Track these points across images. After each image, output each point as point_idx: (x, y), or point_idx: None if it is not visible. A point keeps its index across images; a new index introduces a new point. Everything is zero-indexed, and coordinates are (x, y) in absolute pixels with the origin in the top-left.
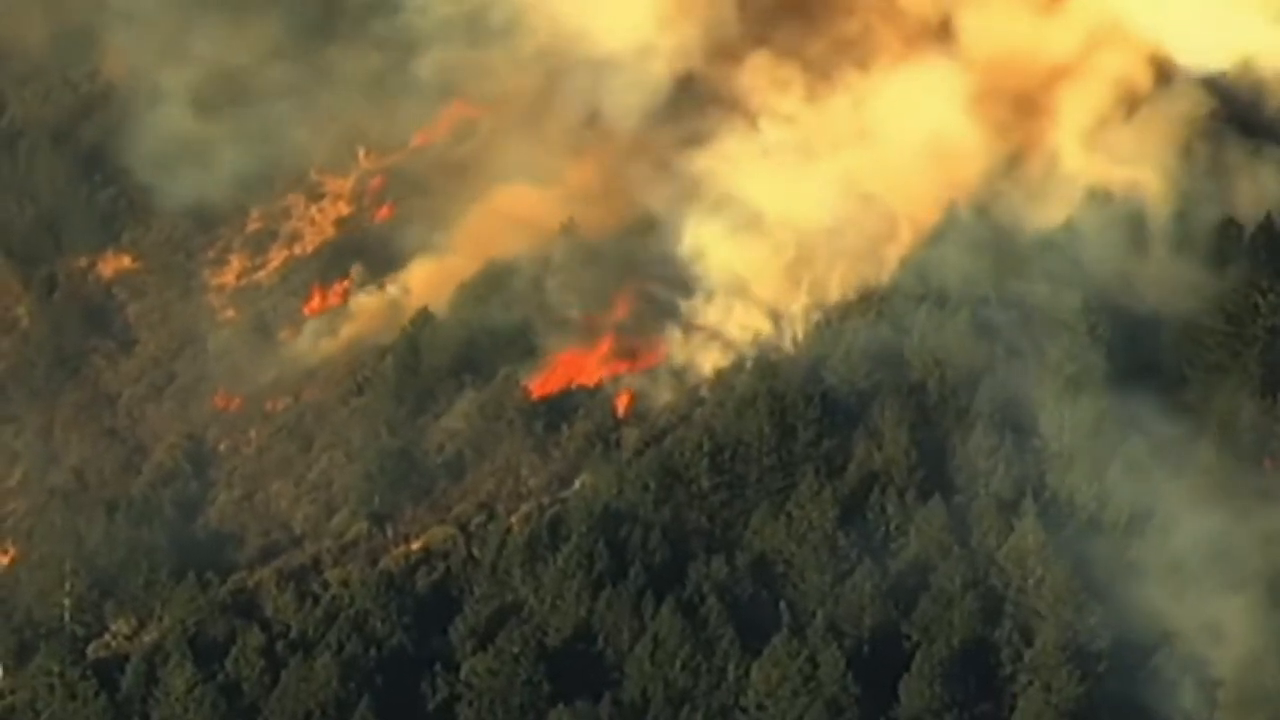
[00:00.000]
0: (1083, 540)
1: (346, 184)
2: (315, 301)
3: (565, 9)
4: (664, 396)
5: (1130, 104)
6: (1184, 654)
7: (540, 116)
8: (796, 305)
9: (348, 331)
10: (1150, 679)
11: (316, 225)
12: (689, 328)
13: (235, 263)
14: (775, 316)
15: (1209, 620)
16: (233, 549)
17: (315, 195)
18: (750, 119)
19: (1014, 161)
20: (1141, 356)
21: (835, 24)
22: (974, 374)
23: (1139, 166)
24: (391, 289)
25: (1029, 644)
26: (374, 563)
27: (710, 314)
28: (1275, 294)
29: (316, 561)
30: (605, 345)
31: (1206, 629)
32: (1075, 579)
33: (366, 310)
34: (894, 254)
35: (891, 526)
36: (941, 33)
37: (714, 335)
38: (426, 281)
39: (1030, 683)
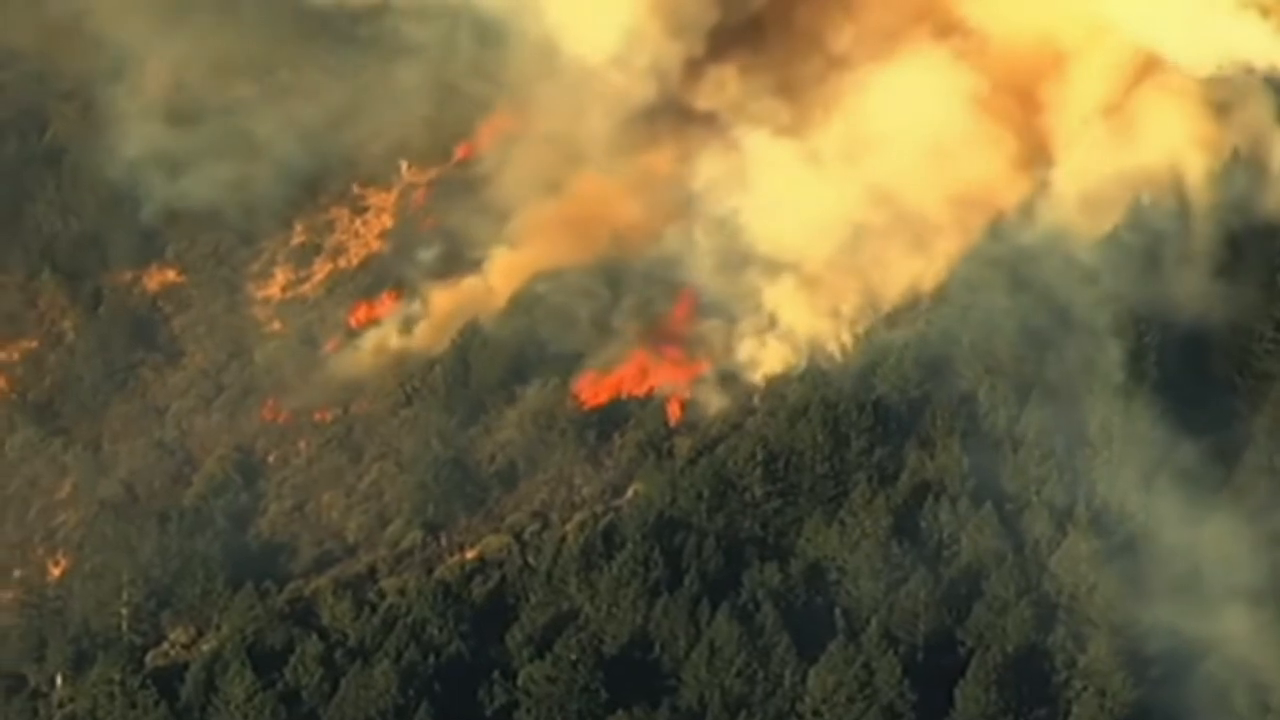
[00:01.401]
0: (1134, 547)
1: (390, 197)
2: (361, 314)
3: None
4: (715, 405)
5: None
6: (1235, 660)
7: (574, 126)
8: (845, 312)
9: (395, 343)
10: (1202, 685)
11: (361, 238)
12: (740, 336)
13: (280, 275)
14: (825, 324)
15: (1260, 625)
16: (286, 559)
17: (359, 208)
18: (753, 129)
19: (1031, 163)
20: (1190, 364)
21: (824, 28)
22: (1024, 383)
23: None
24: (438, 300)
25: (1082, 650)
26: (429, 572)
27: (761, 322)
28: None
29: (372, 571)
30: (655, 355)
31: (1257, 634)
32: (1127, 586)
33: (412, 322)
34: (926, 261)
35: (944, 534)
36: (937, 27)
37: (765, 344)
38: (473, 293)
39: (1084, 689)
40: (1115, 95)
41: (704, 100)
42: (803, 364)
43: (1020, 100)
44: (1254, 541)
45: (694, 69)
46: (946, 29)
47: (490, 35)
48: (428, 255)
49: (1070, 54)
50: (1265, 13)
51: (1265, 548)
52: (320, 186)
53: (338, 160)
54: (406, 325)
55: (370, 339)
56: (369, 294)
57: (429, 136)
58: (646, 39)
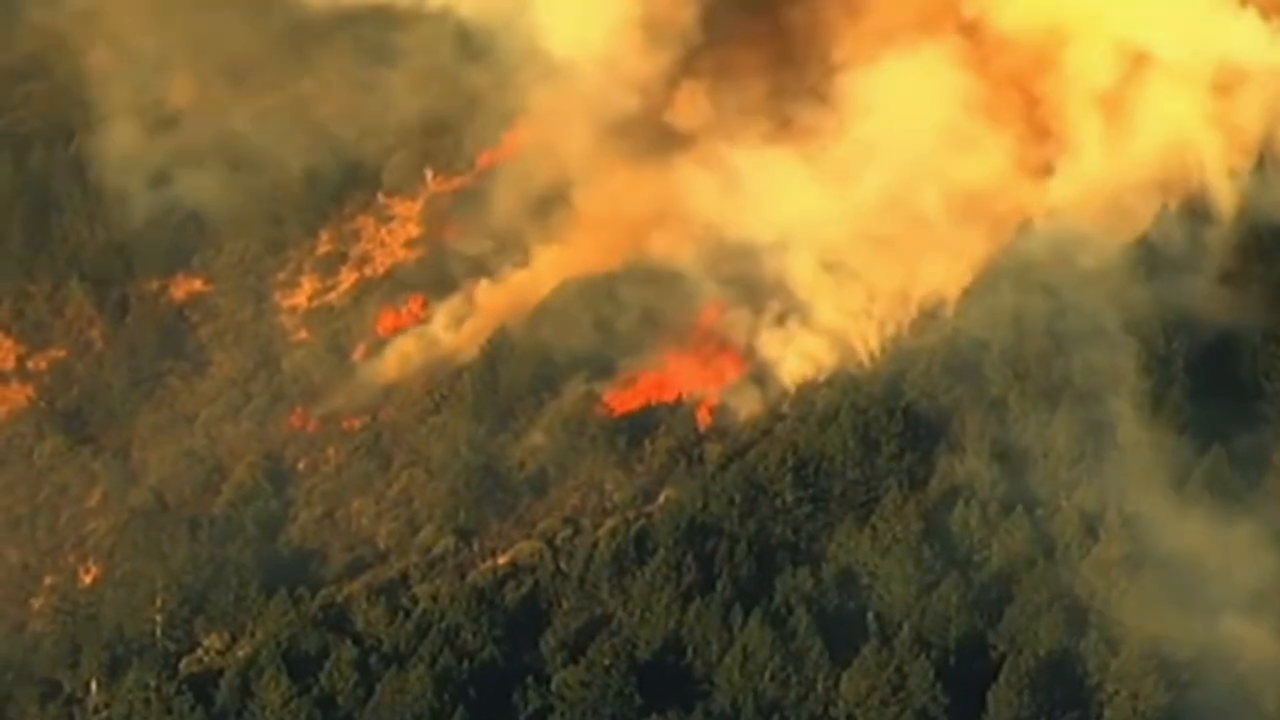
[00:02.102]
0: (1164, 552)
1: (415, 206)
2: (388, 321)
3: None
4: (745, 411)
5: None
6: (1266, 664)
7: (600, 134)
8: (873, 313)
9: (423, 351)
10: (1233, 689)
11: (386, 247)
12: (769, 343)
13: (306, 284)
14: (853, 325)
15: None
16: (318, 565)
17: (384, 218)
18: (758, 134)
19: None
20: (1218, 369)
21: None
22: (1054, 388)
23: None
24: (464, 309)
25: (1115, 654)
26: (462, 577)
27: (790, 329)
28: None
29: (404, 576)
30: (684, 361)
31: None
32: (1158, 590)
33: (440, 330)
34: (944, 265)
35: (975, 539)
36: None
37: (794, 350)
38: (500, 301)
39: (1116, 693)
40: (1120, 90)
41: (701, 111)
42: (833, 365)
43: (1025, 98)
44: None
45: (688, 79)
46: (947, 27)
47: (478, 42)
48: (453, 263)
49: (1075, 47)
50: (1264, 13)
51: None
52: (346, 196)
53: (334, 166)
54: (433, 333)
55: (398, 346)
56: (396, 301)
57: (453, 145)
58: (635, 47)
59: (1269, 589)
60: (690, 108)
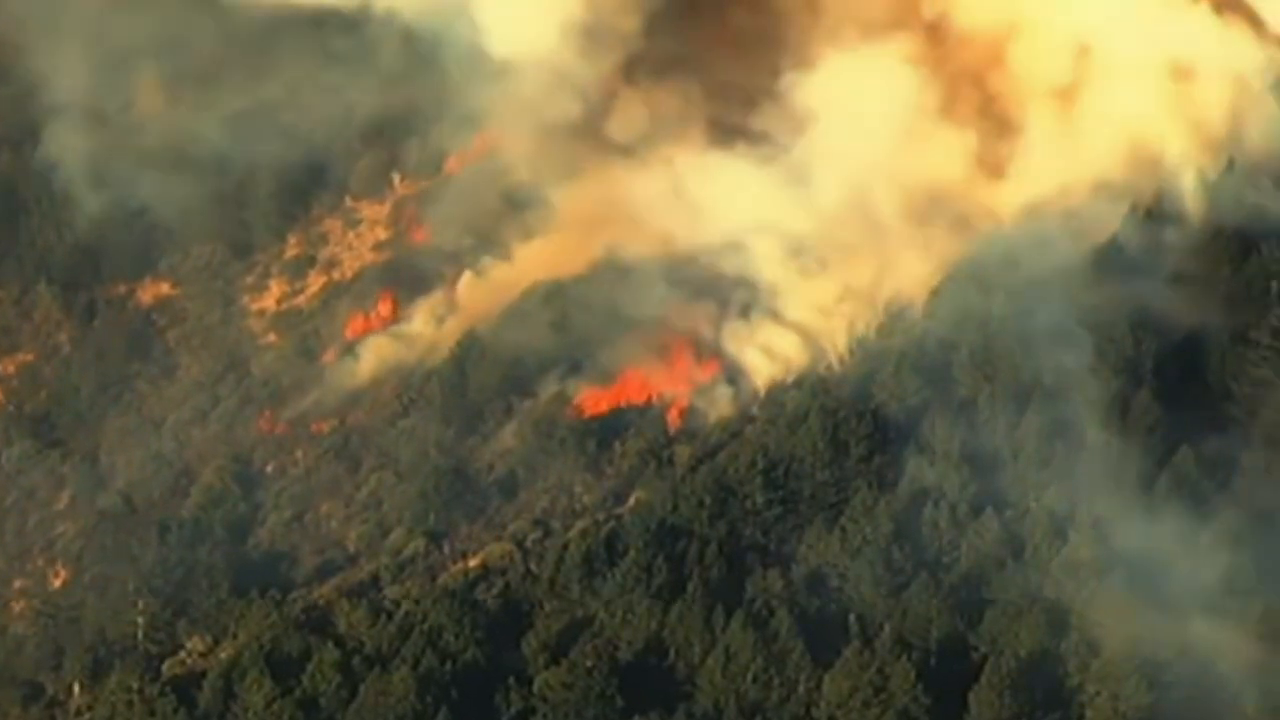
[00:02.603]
0: (1134, 553)
1: (383, 209)
2: (356, 325)
3: None
4: (714, 413)
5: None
6: (1246, 664)
7: (559, 138)
8: (839, 319)
9: (391, 354)
10: (1214, 689)
11: (354, 250)
12: (738, 346)
13: (274, 288)
14: (820, 332)
15: (1267, 629)
16: (288, 568)
17: (352, 221)
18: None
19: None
20: (1187, 371)
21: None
22: (1022, 390)
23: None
24: (433, 312)
25: (1095, 655)
26: (433, 579)
27: (758, 331)
28: None
29: (375, 578)
30: (653, 363)
31: (1265, 638)
32: (1128, 590)
33: (408, 333)
34: (909, 265)
35: (944, 540)
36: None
37: (763, 352)
38: (469, 304)
39: (1097, 693)
40: (1080, 89)
41: (660, 114)
42: (801, 367)
43: (984, 96)
44: (1256, 546)
45: (645, 81)
46: (904, 27)
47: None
48: (421, 266)
49: (1032, 45)
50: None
51: (1266, 552)
52: (313, 199)
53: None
54: (401, 336)
55: (366, 349)
56: (364, 305)
57: (420, 149)
58: (581, 51)
59: (1239, 590)
60: (648, 110)
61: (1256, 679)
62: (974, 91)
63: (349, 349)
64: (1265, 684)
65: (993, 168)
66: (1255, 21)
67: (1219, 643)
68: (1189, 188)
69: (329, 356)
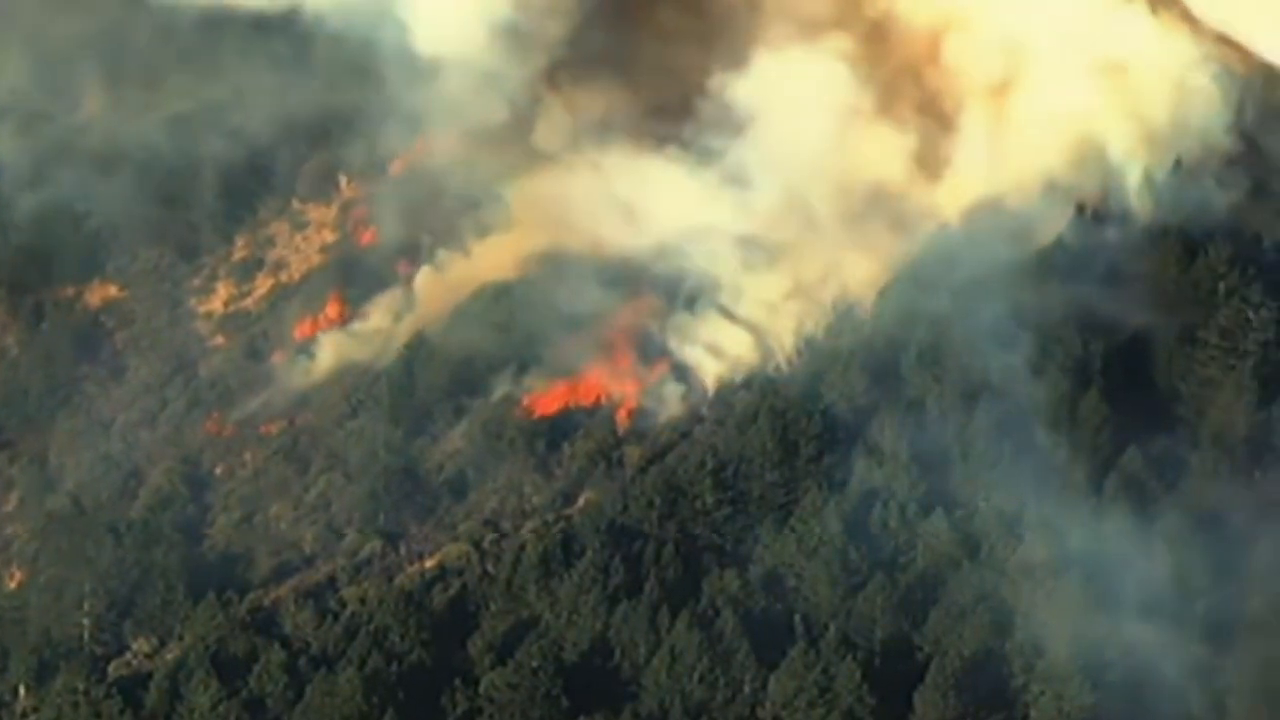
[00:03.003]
0: (1084, 552)
1: (329, 212)
2: (304, 327)
3: None
4: (664, 414)
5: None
6: (1191, 664)
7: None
8: (786, 320)
9: (339, 356)
10: (1159, 689)
11: (302, 253)
12: (685, 346)
13: (222, 290)
14: (766, 334)
15: (1214, 627)
16: (244, 569)
17: (299, 223)
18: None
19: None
20: (1135, 371)
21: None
22: (970, 390)
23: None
24: (381, 313)
25: (1040, 655)
26: (390, 580)
27: (706, 332)
28: (1268, 308)
29: (332, 580)
30: (602, 364)
31: (1213, 636)
32: (1082, 589)
33: (356, 335)
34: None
35: (897, 541)
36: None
37: (712, 352)
38: (419, 304)
39: (1042, 693)
40: (1022, 88)
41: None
42: (750, 366)
43: (923, 95)
44: (1203, 546)
45: (566, 85)
46: (843, 26)
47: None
48: (369, 268)
49: (970, 44)
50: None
51: (1214, 552)
52: (259, 202)
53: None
54: (349, 337)
55: (314, 351)
56: (312, 307)
57: (366, 151)
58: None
59: (1189, 590)
60: (584, 110)
61: (1200, 679)
62: (913, 89)
63: (297, 351)
64: (1209, 684)
65: (933, 166)
66: (1189, 18)
67: (1163, 643)
68: (1134, 187)
69: (277, 358)
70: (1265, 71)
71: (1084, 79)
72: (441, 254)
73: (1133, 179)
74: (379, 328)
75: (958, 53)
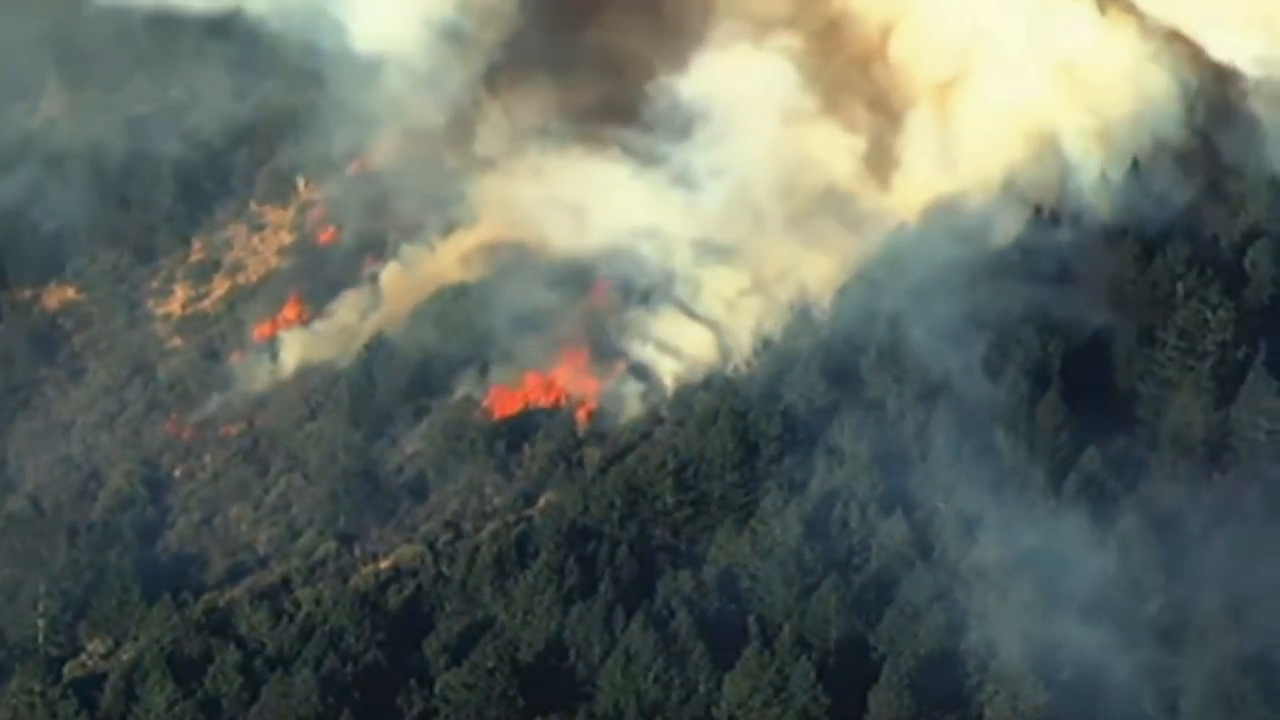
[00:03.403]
0: (1042, 552)
1: (287, 214)
2: (263, 328)
3: None
4: (623, 416)
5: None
6: (1144, 664)
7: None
8: (744, 321)
9: (297, 357)
10: (1112, 689)
11: (259, 255)
12: (643, 346)
13: (180, 292)
14: (724, 334)
15: (1169, 628)
16: (199, 570)
17: (256, 225)
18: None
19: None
20: (1094, 372)
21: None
22: (929, 391)
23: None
24: (340, 315)
25: (994, 655)
26: (344, 581)
27: (663, 331)
28: (1226, 309)
29: (286, 581)
30: (562, 366)
31: (1165, 638)
32: (1038, 589)
33: (315, 336)
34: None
35: (854, 541)
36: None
37: (669, 352)
38: (376, 306)
39: (996, 693)
40: (974, 88)
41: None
42: (709, 366)
43: (873, 93)
44: (1161, 547)
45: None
46: (785, 22)
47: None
48: (327, 270)
49: (920, 42)
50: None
51: (1173, 552)
52: (217, 204)
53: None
54: (308, 339)
55: (273, 353)
56: (270, 309)
57: (324, 153)
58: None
59: (1144, 590)
60: (535, 111)
61: (1153, 679)
62: (864, 87)
63: (256, 352)
64: (1162, 684)
65: (883, 165)
66: (1138, 15)
67: (1117, 643)
68: (1090, 186)
69: (236, 360)
70: (1215, 70)
71: (1035, 77)
72: (400, 255)
73: (1088, 178)
74: (337, 329)
75: (908, 50)
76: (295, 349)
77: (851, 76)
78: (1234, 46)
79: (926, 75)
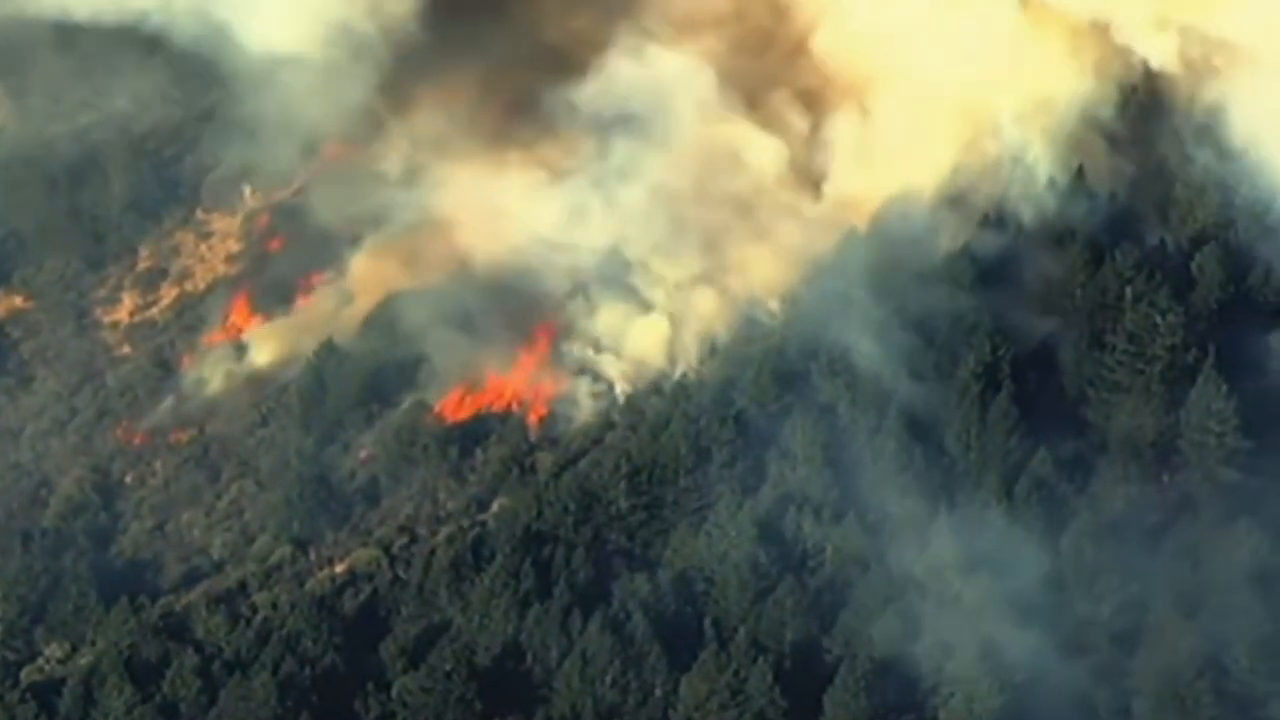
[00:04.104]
0: (995, 555)
1: (234, 222)
2: (211, 336)
3: None
4: (576, 420)
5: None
6: (1098, 666)
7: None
8: (692, 325)
9: (247, 365)
10: (1066, 691)
11: (207, 263)
12: (593, 353)
13: (128, 300)
14: (674, 340)
15: (1120, 632)
16: (153, 576)
17: (203, 234)
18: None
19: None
20: (1044, 376)
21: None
22: (882, 394)
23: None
24: (288, 322)
25: (949, 657)
26: (300, 585)
27: (612, 338)
28: (1175, 313)
29: (243, 586)
30: (513, 370)
31: (1119, 641)
32: (991, 592)
33: (265, 344)
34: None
35: (809, 544)
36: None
37: (619, 359)
38: (324, 314)
39: (951, 694)
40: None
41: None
42: (660, 367)
43: (794, 95)
44: (1114, 548)
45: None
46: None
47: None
48: (275, 278)
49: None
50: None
51: (1124, 554)
52: (164, 212)
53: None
54: (258, 347)
55: (222, 360)
56: (218, 316)
57: (271, 161)
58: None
59: (1099, 590)
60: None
61: (1109, 680)
62: (789, 88)
63: (204, 359)
64: (1117, 685)
65: (811, 170)
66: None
67: (1070, 644)
68: (1040, 194)
69: (185, 367)
70: (1146, 68)
71: (966, 70)
72: (348, 261)
73: (1038, 185)
74: (287, 336)
75: (832, 51)
76: (245, 357)
77: (779, 76)
78: (1155, 46)
79: (853, 71)
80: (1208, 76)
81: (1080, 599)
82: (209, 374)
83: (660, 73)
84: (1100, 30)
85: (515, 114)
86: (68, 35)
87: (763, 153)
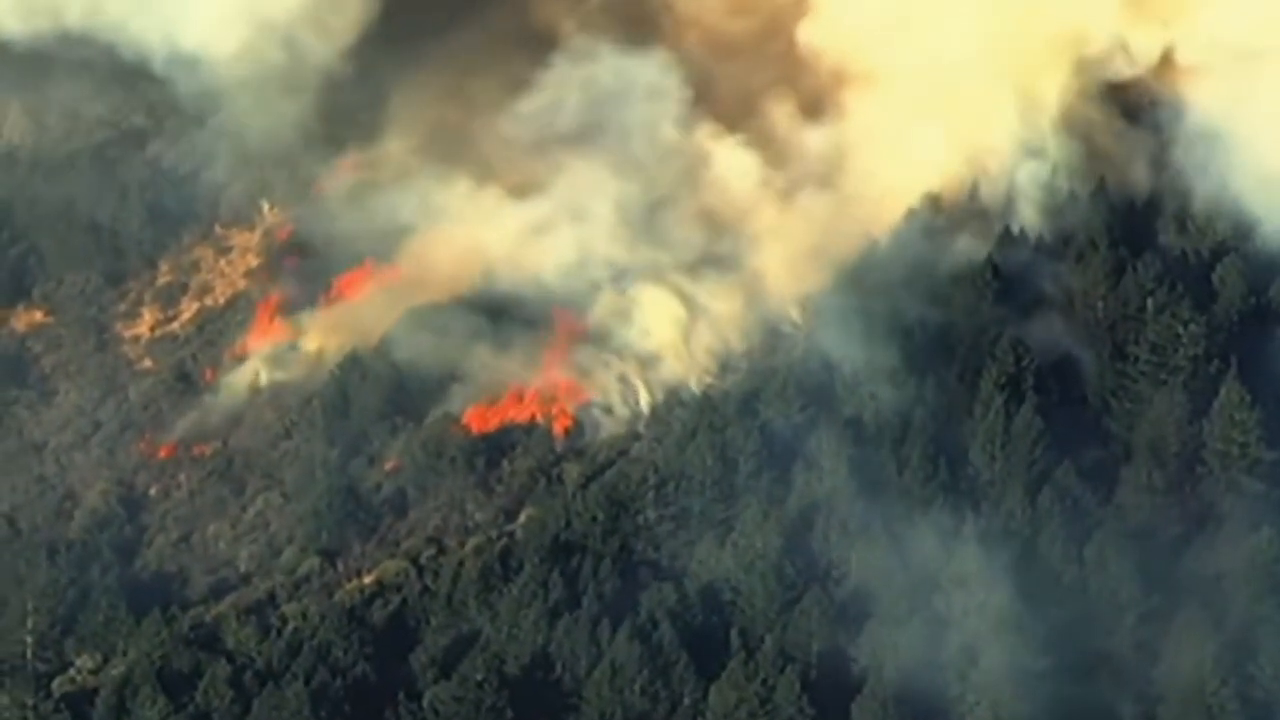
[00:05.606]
0: (1022, 562)
1: (253, 237)
2: (233, 350)
3: None
4: (602, 432)
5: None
6: (1123, 673)
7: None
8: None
9: (268, 377)
10: (1092, 698)
11: (227, 277)
12: (620, 363)
13: (148, 315)
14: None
15: (1146, 639)
16: (180, 588)
17: (222, 249)
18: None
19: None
20: (1067, 387)
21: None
22: (905, 405)
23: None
24: (311, 334)
25: (974, 664)
26: (330, 596)
27: (640, 348)
28: (1197, 324)
29: (272, 597)
30: (540, 381)
31: (1144, 648)
32: (1016, 601)
33: (286, 356)
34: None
35: (834, 554)
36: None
37: (645, 369)
38: (344, 328)
39: (977, 703)
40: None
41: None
42: (681, 378)
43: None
44: (1138, 558)
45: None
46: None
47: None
48: (296, 291)
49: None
50: None
51: (1148, 564)
52: (183, 228)
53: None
54: (281, 359)
55: (245, 373)
56: (239, 330)
57: (288, 176)
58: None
59: (1123, 601)
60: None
61: (1133, 689)
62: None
63: (226, 373)
64: (1141, 694)
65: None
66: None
67: (1095, 653)
68: (1061, 203)
69: (207, 380)
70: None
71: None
72: (368, 276)
73: (1058, 196)
74: (309, 349)
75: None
76: (266, 369)
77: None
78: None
79: (846, 70)
80: (1222, 83)
81: (1104, 608)
82: (231, 387)
83: (636, 78)
84: (1111, 38)
85: (514, 121)
86: (85, 57)
87: (735, 167)
